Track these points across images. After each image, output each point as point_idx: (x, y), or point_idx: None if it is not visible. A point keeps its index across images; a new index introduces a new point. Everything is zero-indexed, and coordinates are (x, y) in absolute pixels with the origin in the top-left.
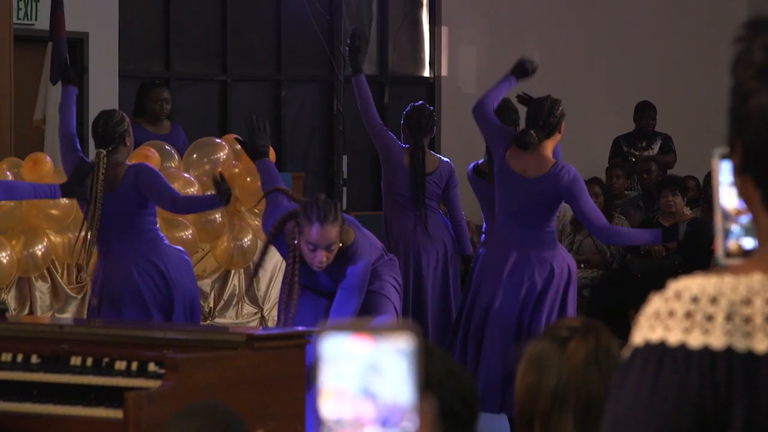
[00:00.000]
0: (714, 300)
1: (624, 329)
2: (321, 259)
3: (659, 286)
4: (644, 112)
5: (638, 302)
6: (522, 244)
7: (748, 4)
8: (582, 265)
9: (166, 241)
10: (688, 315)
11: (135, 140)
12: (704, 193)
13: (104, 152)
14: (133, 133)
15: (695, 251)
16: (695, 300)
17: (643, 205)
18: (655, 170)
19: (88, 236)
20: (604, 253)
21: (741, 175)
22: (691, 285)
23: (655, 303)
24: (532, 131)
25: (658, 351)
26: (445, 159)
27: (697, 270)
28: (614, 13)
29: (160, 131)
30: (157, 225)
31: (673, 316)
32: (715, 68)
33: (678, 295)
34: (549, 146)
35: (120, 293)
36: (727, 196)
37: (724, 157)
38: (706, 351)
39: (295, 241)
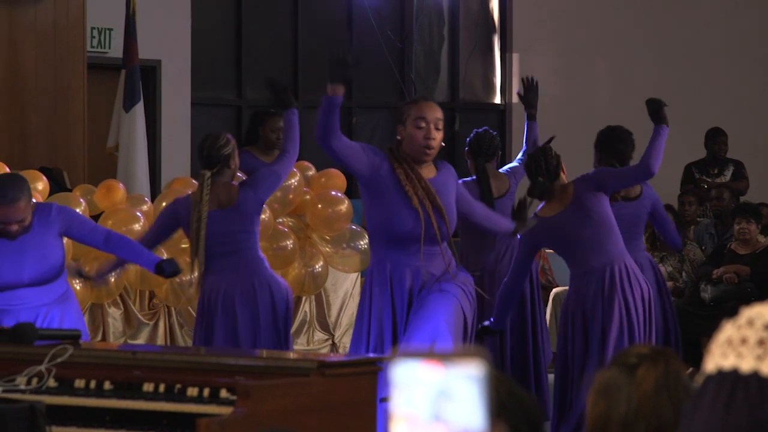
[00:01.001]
0: None
1: (696, 357)
2: (433, 134)
3: (731, 313)
4: (716, 137)
5: (710, 330)
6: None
7: None
8: None
9: (267, 264)
10: (761, 342)
11: (247, 168)
12: None
13: (209, 173)
14: (245, 161)
15: None
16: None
17: (715, 231)
18: (728, 197)
19: (197, 254)
20: (676, 280)
21: None
22: (765, 312)
23: (728, 330)
24: (540, 179)
25: (730, 379)
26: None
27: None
28: (685, 40)
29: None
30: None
31: (746, 344)
32: None
33: (751, 323)
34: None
35: (231, 304)
36: None
37: None
38: None
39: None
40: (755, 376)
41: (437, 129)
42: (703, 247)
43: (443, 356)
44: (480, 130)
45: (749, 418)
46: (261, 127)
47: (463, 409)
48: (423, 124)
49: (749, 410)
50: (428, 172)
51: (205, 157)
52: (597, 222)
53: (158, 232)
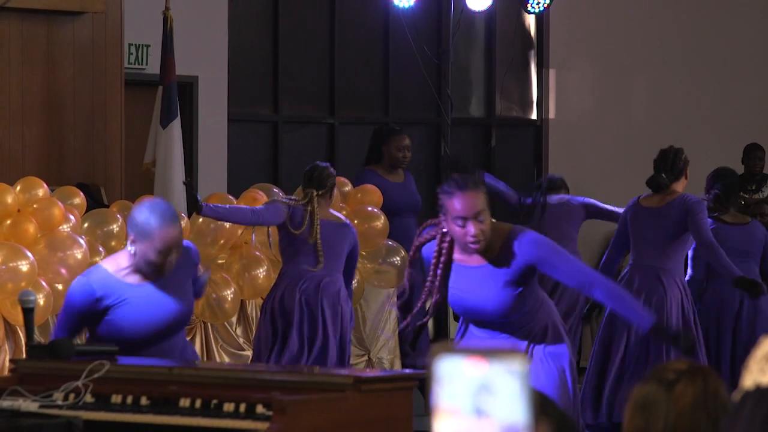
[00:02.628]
0: None
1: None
2: (474, 231)
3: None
4: (752, 152)
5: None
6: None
7: None
8: None
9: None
10: None
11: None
12: None
13: (317, 192)
14: (370, 180)
15: None
16: None
17: None
18: None
19: (319, 257)
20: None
21: None
22: None
23: (766, 346)
24: (663, 174)
25: None
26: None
27: None
28: (722, 56)
29: (396, 179)
30: None
31: None
32: None
33: None
34: (679, 189)
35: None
36: None
37: None
38: None
39: (441, 244)
40: None
41: (479, 221)
42: None
43: (486, 352)
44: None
45: None
46: (385, 145)
47: (505, 403)
48: (462, 223)
49: None
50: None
51: (315, 179)
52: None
53: (261, 217)
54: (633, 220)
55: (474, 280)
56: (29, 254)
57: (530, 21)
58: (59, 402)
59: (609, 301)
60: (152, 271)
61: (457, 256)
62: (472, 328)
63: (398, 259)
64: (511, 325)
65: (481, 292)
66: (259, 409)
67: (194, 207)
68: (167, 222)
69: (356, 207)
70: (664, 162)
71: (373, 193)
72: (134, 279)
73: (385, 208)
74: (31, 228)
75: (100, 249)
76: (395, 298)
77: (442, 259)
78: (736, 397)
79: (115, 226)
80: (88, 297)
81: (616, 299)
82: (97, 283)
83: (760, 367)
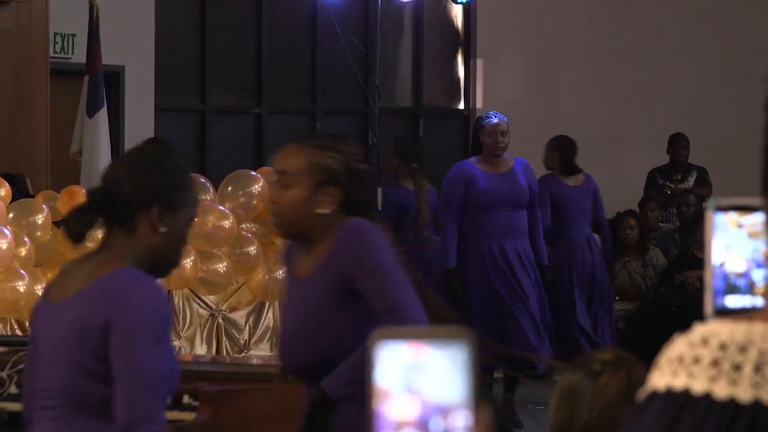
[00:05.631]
0: (743, 349)
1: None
2: (270, 196)
3: (695, 318)
4: (677, 142)
5: (673, 335)
6: None
7: None
8: (617, 298)
9: None
10: (715, 363)
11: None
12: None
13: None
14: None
15: None
16: (723, 347)
17: (679, 237)
18: (694, 203)
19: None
20: (639, 286)
21: None
22: (720, 331)
23: (680, 347)
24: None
25: (679, 400)
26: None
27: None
28: (649, 47)
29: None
30: None
31: (699, 363)
32: (750, 100)
33: (705, 341)
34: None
35: None
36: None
37: (720, 209)
38: (731, 403)
39: None
40: (706, 398)
41: (281, 185)
42: (668, 253)
43: (427, 335)
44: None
45: None
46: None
47: (437, 383)
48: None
49: None
50: None
51: (411, 155)
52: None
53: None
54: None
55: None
56: None
57: (458, 11)
58: None
59: None
60: None
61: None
62: None
63: None
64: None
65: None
66: (186, 399)
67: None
68: None
69: None
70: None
71: None
72: None
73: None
74: None
75: (26, 239)
76: None
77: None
78: (642, 394)
79: (40, 216)
80: None
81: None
82: None
83: (673, 369)
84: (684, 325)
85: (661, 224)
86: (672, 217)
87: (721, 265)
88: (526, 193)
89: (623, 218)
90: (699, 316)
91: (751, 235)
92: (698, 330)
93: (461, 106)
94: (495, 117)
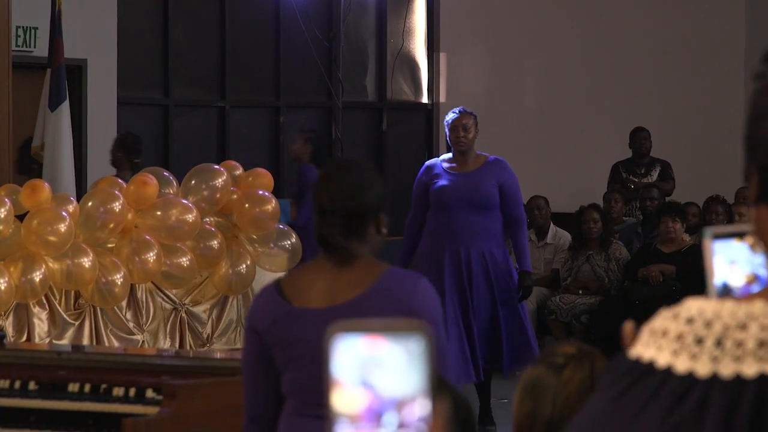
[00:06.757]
0: (708, 323)
1: None
2: None
3: (657, 312)
4: (637, 134)
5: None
6: None
7: (746, 31)
8: (580, 291)
9: None
10: (680, 337)
11: None
12: (703, 220)
13: None
14: None
15: (694, 278)
16: (690, 321)
17: (642, 231)
18: (657, 197)
19: None
20: (602, 280)
21: (757, 206)
22: (692, 306)
23: (659, 319)
24: None
25: (641, 369)
26: None
27: (695, 295)
28: (613, 41)
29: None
30: None
31: (666, 336)
32: (715, 95)
33: (676, 315)
34: None
35: None
36: (730, 273)
37: (717, 236)
38: (689, 377)
39: None
40: (666, 371)
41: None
42: (631, 247)
43: (385, 327)
44: None
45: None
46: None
47: (392, 377)
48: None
49: (641, 403)
50: None
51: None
52: None
53: None
54: None
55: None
56: None
57: (421, 5)
58: None
59: None
60: None
61: None
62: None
63: (289, 242)
64: None
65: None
66: (149, 393)
67: None
68: None
69: (247, 191)
70: None
71: (263, 177)
72: None
73: None
74: None
75: None
76: None
77: None
78: (610, 362)
79: (2, 210)
80: None
81: None
82: None
83: (646, 339)
84: (647, 319)
85: (624, 218)
86: (635, 210)
87: (724, 286)
88: (487, 195)
89: (586, 212)
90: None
91: (753, 249)
92: (680, 304)
93: (425, 99)
94: (456, 112)
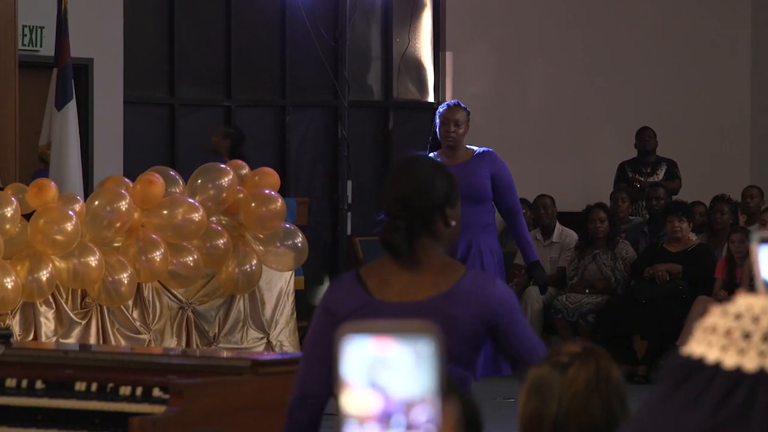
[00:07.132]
0: (756, 319)
1: (629, 355)
2: None
3: (664, 311)
4: (642, 133)
5: (643, 328)
6: None
7: (752, 30)
8: (587, 291)
9: None
10: (728, 332)
11: None
12: (709, 219)
13: None
14: None
15: (700, 277)
16: (738, 317)
17: (648, 230)
18: (664, 196)
19: None
20: (609, 279)
21: None
22: (741, 303)
23: (710, 316)
24: None
25: (692, 365)
26: None
27: (701, 295)
28: (618, 40)
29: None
30: None
31: (715, 332)
32: (720, 94)
33: (725, 312)
34: None
35: None
36: None
37: (764, 241)
38: (737, 372)
39: None
40: (715, 367)
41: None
42: (638, 246)
43: (394, 329)
44: None
45: (682, 406)
46: None
47: (400, 378)
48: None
49: (692, 399)
50: None
51: None
52: None
53: None
54: None
55: None
56: None
57: (427, 4)
58: None
59: None
60: None
61: None
62: None
63: (296, 241)
64: None
65: None
66: (156, 392)
67: None
68: None
69: (253, 190)
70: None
71: (270, 176)
72: None
73: None
74: None
75: None
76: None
77: None
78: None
79: (9, 209)
80: None
81: None
82: None
83: (698, 337)
84: (653, 318)
85: (630, 217)
86: (641, 210)
87: None
88: (480, 187)
89: (593, 211)
90: (668, 309)
91: None
92: (732, 302)
93: (431, 99)
94: (448, 105)
